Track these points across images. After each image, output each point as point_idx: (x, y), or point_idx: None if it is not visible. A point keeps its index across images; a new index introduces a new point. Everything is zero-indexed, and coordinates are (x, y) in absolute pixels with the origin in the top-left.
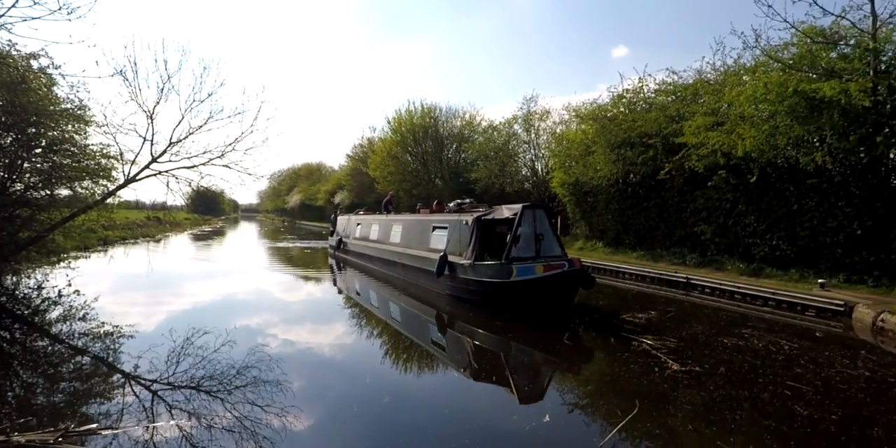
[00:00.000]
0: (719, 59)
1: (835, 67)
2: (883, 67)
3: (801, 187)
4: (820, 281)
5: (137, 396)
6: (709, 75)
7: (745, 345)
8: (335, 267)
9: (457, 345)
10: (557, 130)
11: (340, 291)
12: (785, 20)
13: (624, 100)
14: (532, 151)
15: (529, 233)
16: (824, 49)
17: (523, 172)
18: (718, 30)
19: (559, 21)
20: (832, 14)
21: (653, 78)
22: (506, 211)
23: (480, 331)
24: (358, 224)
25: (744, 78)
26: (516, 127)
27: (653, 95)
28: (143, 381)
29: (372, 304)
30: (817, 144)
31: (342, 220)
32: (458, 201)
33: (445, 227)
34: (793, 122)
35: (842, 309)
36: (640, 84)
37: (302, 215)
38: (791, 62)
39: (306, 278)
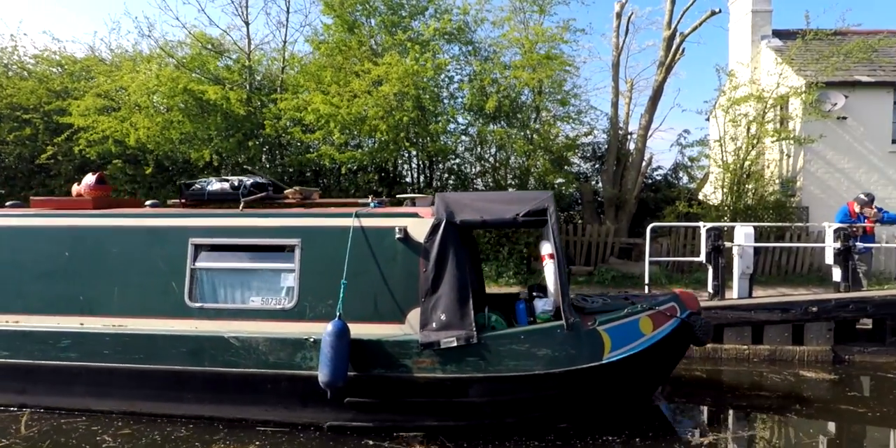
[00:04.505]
0: (115, 40)
1: (220, 75)
2: (256, 85)
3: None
4: None
5: None
6: (105, 54)
7: None
8: None
9: None
10: None
11: None
12: (177, 18)
13: None
14: None
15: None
16: (214, 57)
17: None
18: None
19: None
20: (219, 27)
21: (31, 40)
22: (498, 207)
23: None
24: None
25: (141, 66)
26: None
27: (32, 61)
28: None
29: None
30: (207, 142)
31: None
32: (246, 179)
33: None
34: (185, 118)
35: None
36: (13, 44)
37: None
38: (184, 61)
39: None
